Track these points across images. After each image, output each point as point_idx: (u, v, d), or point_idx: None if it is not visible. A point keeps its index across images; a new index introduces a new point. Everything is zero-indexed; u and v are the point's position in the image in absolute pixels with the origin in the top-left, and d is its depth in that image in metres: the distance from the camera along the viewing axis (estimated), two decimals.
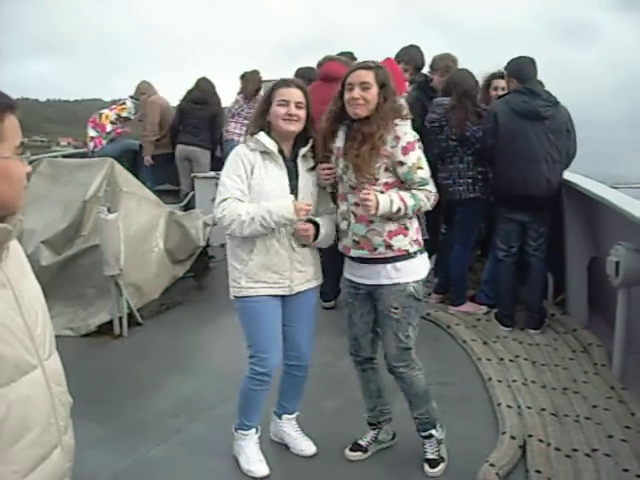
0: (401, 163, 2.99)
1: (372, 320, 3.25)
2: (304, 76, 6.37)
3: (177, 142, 8.30)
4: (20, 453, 1.48)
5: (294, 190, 3.11)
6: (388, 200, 2.94)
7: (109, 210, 4.97)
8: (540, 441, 3.44)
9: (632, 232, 4.11)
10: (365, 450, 3.42)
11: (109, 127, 8.90)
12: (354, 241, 3.11)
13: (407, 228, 3.08)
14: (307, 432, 3.48)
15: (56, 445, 1.62)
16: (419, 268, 3.14)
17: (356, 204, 3.05)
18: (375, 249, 3.06)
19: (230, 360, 4.18)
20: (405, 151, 2.98)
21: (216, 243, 6.88)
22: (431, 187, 3.07)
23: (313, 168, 3.21)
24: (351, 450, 3.42)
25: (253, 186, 3.05)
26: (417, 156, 3.02)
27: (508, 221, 5.10)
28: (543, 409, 3.80)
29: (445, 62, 5.90)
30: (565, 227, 5.31)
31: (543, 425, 3.62)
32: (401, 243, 3.06)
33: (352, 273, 3.22)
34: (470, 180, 5.25)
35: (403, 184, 3.05)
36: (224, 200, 3.02)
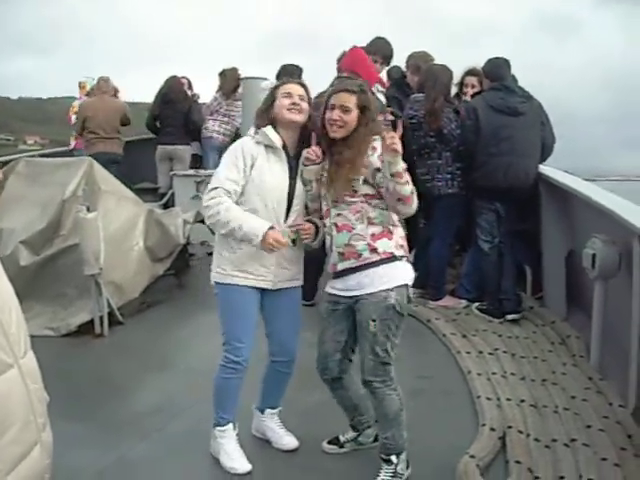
0: (378, 170, 2.96)
1: (344, 340, 3.17)
2: (290, 73, 6.41)
3: (157, 143, 8.35)
4: (1, 452, 1.48)
5: (291, 190, 3.16)
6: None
7: (88, 209, 4.95)
8: (519, 432, 3.48)
9: (607, 225, 4.16)
10: (341, 446, 3.43)
11: (74, 118, 8.91)
12: (339, 254, 3.04)
13: (391, 232, 3.02)
14: (290, 428, 3.49)
15: (36, 442, 1.62)
16: (403, 275, 3.04)
17: (338, 215, 3.03)
18: (360, 255, 2.98)
19: (211, 358, 4.15)
20: (382, 159, 2.95)
21: (196, 241, 6.87)
22: (412, 187, 2.97)
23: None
24: (329, 443, 3.45)
25: (254, 178, 3.10)
26: None
27: (488, 211, 5.20)
28: (522, 401, 3.85)
29: (420, 61, 5.92)
30: (542, 221, 5.38)
31: (522, 416, 3.67)
32: (386, 246, 2.99)
33: (334, 286, 3.15)
34: (449, 176, 5.30)
35: (381, 199, 3.02)
36: (213, 189, 3.09)
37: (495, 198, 5.14)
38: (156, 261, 5.82)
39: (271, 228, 3.00)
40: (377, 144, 3.00)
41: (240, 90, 8.24)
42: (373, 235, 2.99)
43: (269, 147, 3.15)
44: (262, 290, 3.21)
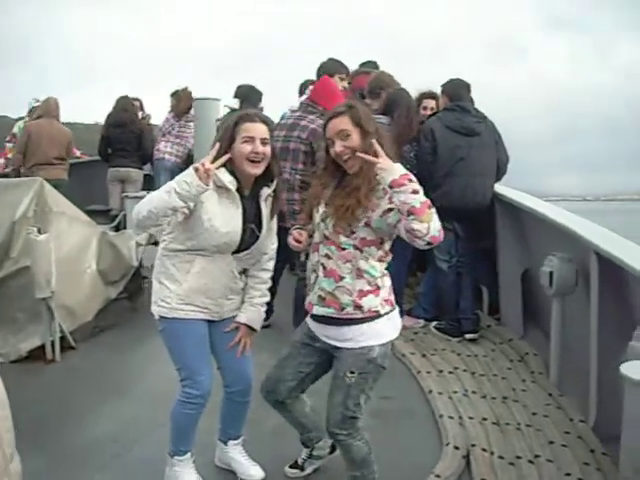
0: (390, 210, 2.68)
1: (306, 373, 3.03)
2: (246, 95, 6.37)
3: (109, 166, 8.21)
4: None
5: (252, 232, 3.03)
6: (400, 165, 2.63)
7: (39, 231, 4.83)
8: (483, 450, 3.50)
9: (563, 242, 4.23)
10: (302, 468, 3.36)
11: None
12: (319, 297, 2.84)
13: (379, 287, 2.81)
14: (251, 453, 3.41)
15: (1, 475, 1.53)
16: (387, 330, 2.85)
17: (327, 256, 2.81)
18: (343, 309, 2.78)
19: (167, 382, 4.07)
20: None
21: (148, 263, 6.75)
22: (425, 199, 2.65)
23: (273, 213, 3.14)
24: (290, 467, 3.38)
25: (203, 222, 2.90)
26: None
27: (446, 231, 5.22)
28: (485, 419, 3.87)
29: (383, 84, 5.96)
30: (498, 239, 5.46)
31: (485, 434, 3.68)
32: (372, 303, 2.78)
33: (314, 326, 2.97)
34: None
35: (382, 245, 2.81)
36: None
37: (453, 218, 5.17)
38: (109, 284, 5.70)
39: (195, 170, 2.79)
40: None
41: (192, 112, 8.21)
42: (360, 291, 2.77)
43: (221, 188, 2.93)
44: (208, 321, 3.11)
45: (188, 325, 3.03)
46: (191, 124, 8.24)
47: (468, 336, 5.21)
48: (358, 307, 2.77)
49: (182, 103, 8.26)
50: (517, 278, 5.25)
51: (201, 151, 7.53)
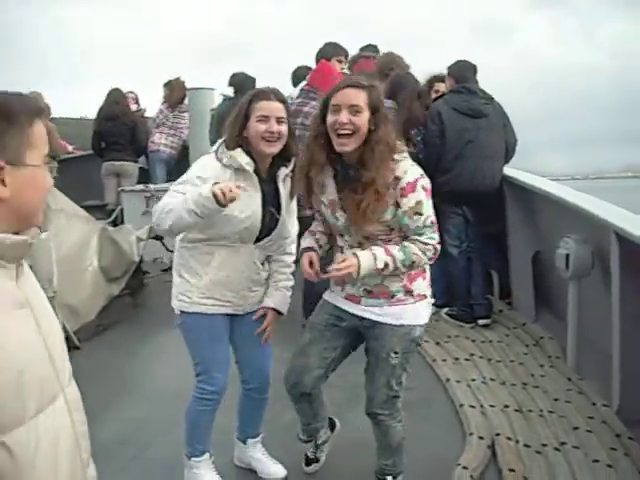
0: (398, 206, 2.56)
1: (332, 358, 2.86)
2: (240, 82, 6.24)
3: (103, 160, 8.03)
4: None
5: (272, 216, 2.89)
6: (371, 256, 2.51)
7: (39, 229, 4.71)
8: (508, 439, 3.43)
9: (577, 224, 4.15)
10: (317, 460, 3.29)
11: None
12: (365, 290, 2.71)
13: (424, 269, 2.74)
14: (268, 448, 3.33)
15: None
16: (425, 313, 2.77)
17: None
18: (393, 296, 2.68)
19: (177, 379, 3.99)
20: (403, 193, 2.53)
21: (149, 258, 6.66)
22: (427, 238, 2.59)
23: (293, 193, 2.97)
24: (306, 465, 3.29)
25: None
26: (416, 199, 2.55)
27: (456, 216, 5.16)
28: (506, 406, 3.80)
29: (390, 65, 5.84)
30: (508, 222, 5.38)
31: (509, 422, 3.62)
32: (421, 287, 2.72)
33: (342, 300, 2.81)
34: None
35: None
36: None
37: (462, 202, 5.10)
38: (111, 281, 5.59)
39: (215, 184, 2.57)
40: (400, 169, 2.57)
41: (186, 101, 8.08)
42: (410, 275, 2.68)
43: (239, 170, 2.78)
44: (229, 315, 2.99)
45: (208, 320, 2.92)
46: (185, 114, 8.12)
47: (481, 322, 5.14)
48: (409, 292, 2.69)
49: (175, 93, 8.11)
50: (528, 261, 5.17)
51: (196, 142, 7.43)
